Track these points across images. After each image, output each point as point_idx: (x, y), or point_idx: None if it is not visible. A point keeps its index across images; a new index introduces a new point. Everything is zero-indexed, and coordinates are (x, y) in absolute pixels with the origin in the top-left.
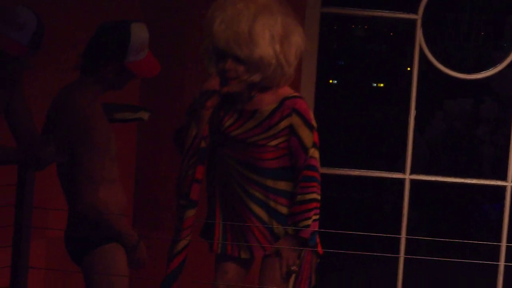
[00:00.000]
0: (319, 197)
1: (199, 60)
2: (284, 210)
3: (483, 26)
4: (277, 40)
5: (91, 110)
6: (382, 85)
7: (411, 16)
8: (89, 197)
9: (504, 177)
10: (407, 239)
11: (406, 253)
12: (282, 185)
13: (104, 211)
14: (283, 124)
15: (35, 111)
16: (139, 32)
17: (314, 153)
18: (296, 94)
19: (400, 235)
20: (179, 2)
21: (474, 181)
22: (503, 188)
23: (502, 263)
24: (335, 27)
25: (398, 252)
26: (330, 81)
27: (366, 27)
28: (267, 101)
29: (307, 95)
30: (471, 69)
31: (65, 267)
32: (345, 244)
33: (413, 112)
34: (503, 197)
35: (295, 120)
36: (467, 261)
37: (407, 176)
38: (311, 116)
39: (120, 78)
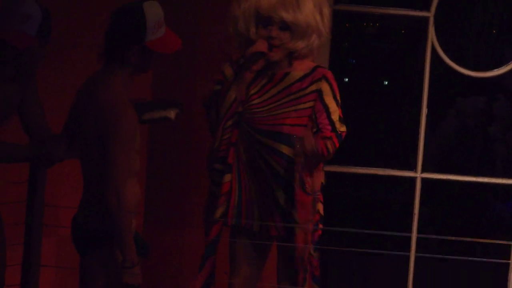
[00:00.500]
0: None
1: (211, 55)
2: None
3: (496, 24)
4: (317, 9)
5: (120, 100)
6: (393, 83)
7: (424, 13)
8: (113, 192)
9: None
10: (418, 238)
11: (417, 251)
12: None
13: (124, 209)
14: (313, 87)
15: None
16: (153, 10)
17: (342, 127)
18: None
19: (411, 233)
20: (191, 4)
21: (486, 179)
22: None
23: None
24: (347, 25)
25: (409, 250)
26: (342, 79)
27: (378, 24)
28: (299, 68)
29: None
30: (483, 67)
31: (76, 265)
32: (356, 242)
33: (424, 110)
34: None
35: (324, 86)
36: (477, 259)
37: (419, 175)
38: (338, 91)
39: (144, 60)
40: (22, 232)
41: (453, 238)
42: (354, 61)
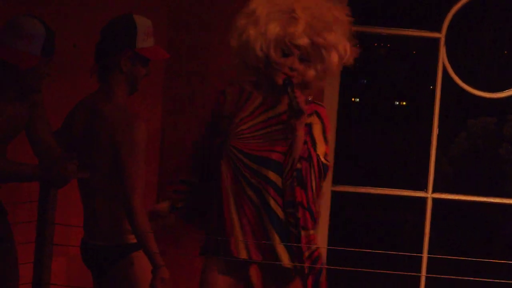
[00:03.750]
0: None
1: (222, 75)
2: (278, 210)
3: (507, 44)
4: (348, 41)
5: (128, 112)
6: (404, 103)
7: (435, 34)
8: (135, 208)
9: None
10: (429, 258)
11: (428, 272)
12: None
13: (148, 227)
14: None
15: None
16: (142, 19)
17: (325, 160)
18: (322, 104)
19: (421, 254)
20: (202, 22)
21: (497, 200)
22: None
23: None
24: (357, 45)
25: (419, 271)
26: (353, 99)
27: (389, 45)
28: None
29: (329, 114)
30: (494, 87)
31: (85, 284)
32: (366, 262)
33: (435, 131)
34: None
35: (316, 121)
36: (489, 280)
37: (430, 195)
38: (329, 129)
39: (135, 70)
40: (32, 251)
41: (464, 258)
42: (365, 81)
